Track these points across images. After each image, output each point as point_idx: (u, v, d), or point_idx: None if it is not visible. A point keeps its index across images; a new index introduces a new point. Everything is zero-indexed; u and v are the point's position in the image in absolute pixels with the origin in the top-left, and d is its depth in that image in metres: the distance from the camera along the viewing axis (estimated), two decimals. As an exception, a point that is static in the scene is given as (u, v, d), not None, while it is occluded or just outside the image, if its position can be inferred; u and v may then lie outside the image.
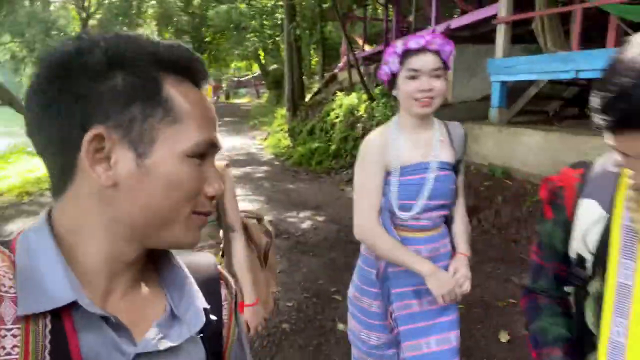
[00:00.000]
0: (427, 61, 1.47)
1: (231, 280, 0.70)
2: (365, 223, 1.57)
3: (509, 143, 5.44)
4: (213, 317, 0.61)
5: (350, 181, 7.04)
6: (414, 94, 1.48)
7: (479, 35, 8.25)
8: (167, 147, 0.52)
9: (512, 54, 6.22)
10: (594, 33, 5.94)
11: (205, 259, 0.69)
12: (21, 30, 16.78)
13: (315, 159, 8.92)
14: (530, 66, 5.48)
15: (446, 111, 7.10)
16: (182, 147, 0.53)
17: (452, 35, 9.21)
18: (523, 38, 7.12)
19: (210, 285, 0.66)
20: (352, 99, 9.49)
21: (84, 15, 18.10)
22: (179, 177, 0.53)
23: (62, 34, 17.05)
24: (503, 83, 5.85)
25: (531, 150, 5.06)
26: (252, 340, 2.70)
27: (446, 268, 1.58)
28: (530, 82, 5.77)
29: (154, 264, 0.62)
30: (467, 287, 1.57)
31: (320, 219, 5.52)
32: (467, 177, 4.82)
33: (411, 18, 11.06)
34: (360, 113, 8.77)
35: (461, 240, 1.66)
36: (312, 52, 18.81)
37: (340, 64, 14.23)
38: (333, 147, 8.80)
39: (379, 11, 15.47)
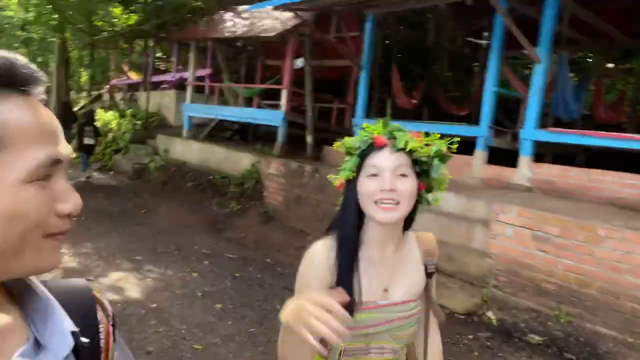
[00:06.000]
0: None
1: (106, 303, 0.68)
2: None
3: (189, 149, 10.06)
4: (85, 340, 0.57)
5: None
6: None
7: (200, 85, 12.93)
8: None
9: (210, 101, 10.97)
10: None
11: (80, 282, 0.67)
12: None
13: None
14: (199, 110, 10.38)
15: (168, 130, 11.41)
16: (16, 176, 0.48)
17: (182, 81, 13.68)
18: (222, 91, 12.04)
19: (85, 309, 0.63)
20: (109, 115, 12.99)
21: None
22: (20, 207, 0.48)
23: None
24: (190, 117, 10.64)
25: (194, 153, 9.74)
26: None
27: None
28: (211, 119, 10.52)
29: (11, 293, 0.57)
30: None
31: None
32: (171, 168, 9.29)
33: (159, 62, 15.07)
34: (112, 126, 12.46)
35: None
36: (81, 69, 20.74)
37: (107, 87, 17.28)
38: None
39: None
